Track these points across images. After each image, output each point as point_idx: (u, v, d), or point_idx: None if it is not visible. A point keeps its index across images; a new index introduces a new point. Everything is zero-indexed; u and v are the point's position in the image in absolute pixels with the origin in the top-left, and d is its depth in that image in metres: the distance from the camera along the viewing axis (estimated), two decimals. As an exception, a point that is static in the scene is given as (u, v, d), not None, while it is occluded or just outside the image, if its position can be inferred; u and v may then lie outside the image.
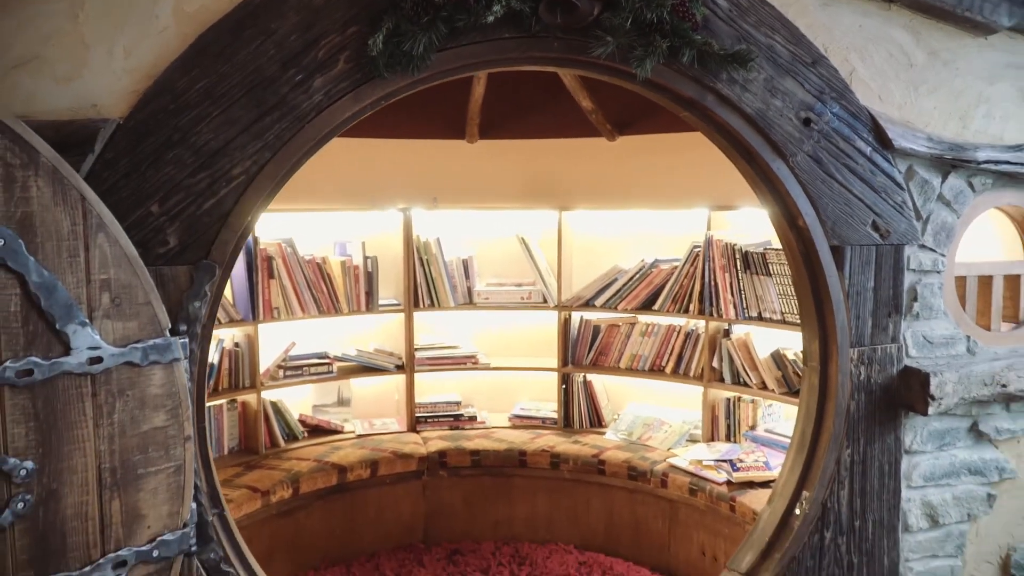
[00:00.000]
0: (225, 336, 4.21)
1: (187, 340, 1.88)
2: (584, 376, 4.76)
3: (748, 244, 4.21)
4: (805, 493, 2.58)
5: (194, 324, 1.94)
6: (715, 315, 4.32)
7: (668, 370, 4.57)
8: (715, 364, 4.36)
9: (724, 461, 3.94)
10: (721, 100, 2.34)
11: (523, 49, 2.16)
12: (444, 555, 4.25)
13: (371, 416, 4.81)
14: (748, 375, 4.22)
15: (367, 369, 4.66)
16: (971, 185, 2.66)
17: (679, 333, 4.54)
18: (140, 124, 1.90)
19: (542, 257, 4.80)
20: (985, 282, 2.79)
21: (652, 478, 4.10)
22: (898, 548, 2.68)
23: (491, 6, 2.03)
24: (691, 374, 4.48)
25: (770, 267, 4.08)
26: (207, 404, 2.42)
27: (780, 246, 3.99)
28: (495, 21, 2.07)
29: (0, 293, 1.54)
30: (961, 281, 2.75)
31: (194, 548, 1.92)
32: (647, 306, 4.59)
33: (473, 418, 4.78)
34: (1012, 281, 2.84)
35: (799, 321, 3.91)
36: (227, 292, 4.12)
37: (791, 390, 4.06)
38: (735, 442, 4.27)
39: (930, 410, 2.51)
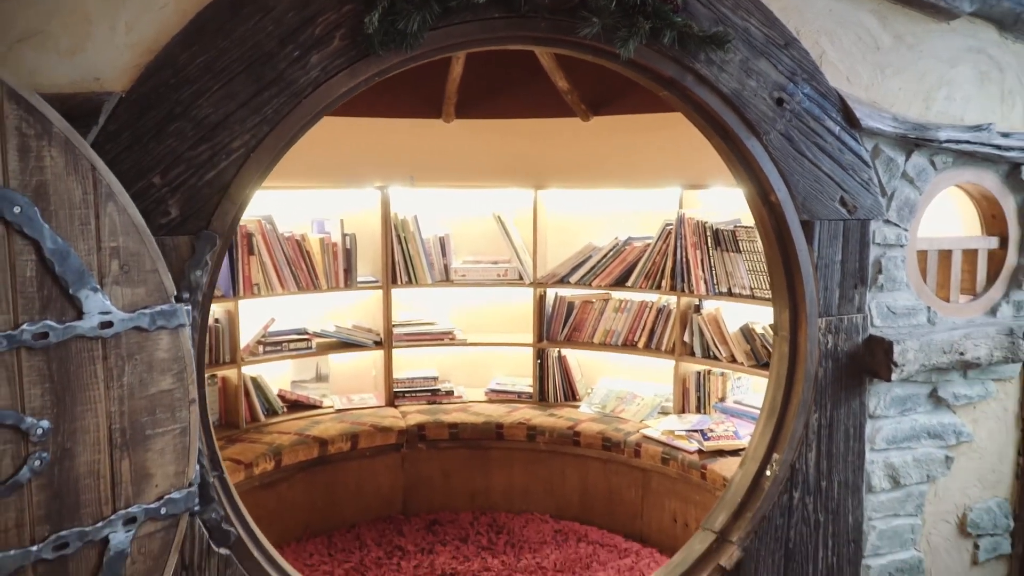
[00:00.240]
0: (206, 312, 4.24)
1: (190, 307, 1.94)
2: (559, 351, 4.87)
3: (719, 222, 4.34)
4: (775, 455, 2.71)
5: (195, 292, 2.00)
6: (686, 291, 4.45)
7: (640, 345, 4.70)
8: (686, 339, 4.50)
9: (695, 431, 4.09)
10: (699, 80, 2.45)
11: (512, 29, 2.24)
12: (423, 525, 4.35)
13: (349, 392, 4.88)
14: (718, 349, 4.36)
15: (346, 345, 4.73)
16: (933, 163, 2.80)
17: (651, 309, 4.67)
18: (142, 97, 1.95)
19: (518, 235, 4.89)
20: (945, 256, 2.94)
21: (626, 448, 4.23)
22: (862, 507, 2.83)
23: (482, -14, 2.11)
24: (663, 348, 4.61)
25: (740, 244, 4.22)
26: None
27: (750, 224, 4.14)
28: (486, 1, 2.15)
29: (17, 258, 1.60)
30: (923, 255, 2.90)
31: (197, 507, 1.99)
32: (620, 283, 4.70)
33: (450, 393, 4.87)
34: (970, 255, 3.00)
35: (768, 296, 4.06)
36: (208, 268, 4.15)
37: (759, 363, 4.21)
38: (705, 414, 4.42)
39: (893, 376, 2.65)
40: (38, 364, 1.65)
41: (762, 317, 4.25)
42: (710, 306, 4.49)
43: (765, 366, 4.15)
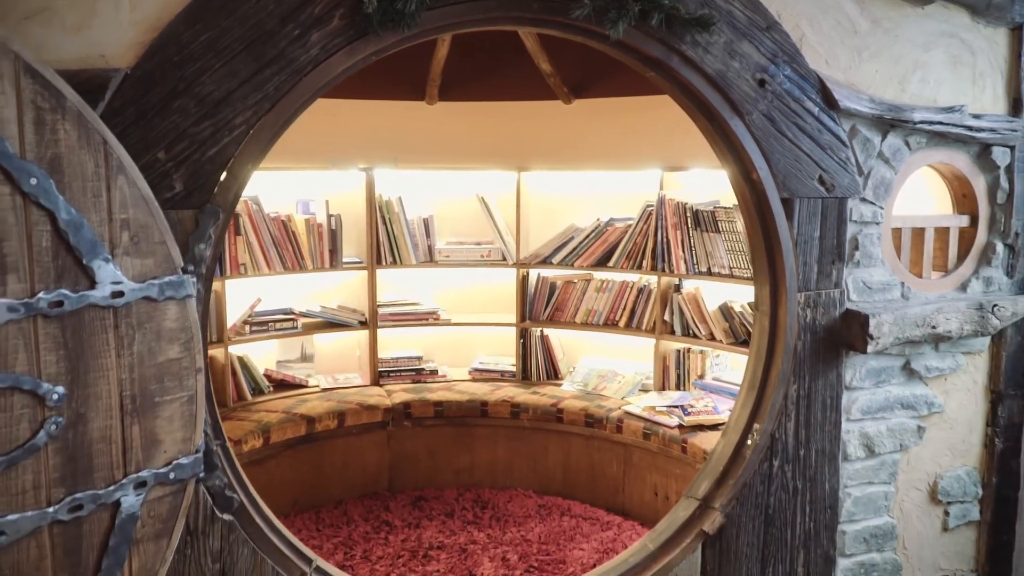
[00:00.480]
0: (193, 292, 4.27)
1: (195, 279, 1.99)
2: (541, 331, 4.96)
3: (698, 203, 4.44)
4: (756, 425, 2.82)
5: (200, 265, 2.05)
6: (667, 271, 4.55)
7: (622, 324, 4.80)
8: (666, 317, 4.60)
9: (676, 407, 4.20)
10: (685, 61, 2.52)
11: (505, 9, 2.31)
12: (409, 501, 4.43)
13: (334, 371, 4.94)
14: (697, 327, 4.47)
15: (331, 325, 4.78)
16: (907, 144, 2.90)
17: (632, 288, 4.76)
18: (147, 74, 1.99)
19: (501, 216, 4.96)
20: (918, 234, 3.05)
21: (608, 424, 4.33)
22: (838, 475, 2.95)
23: (477, -32, 2.17)
24: (643, 327, 4.71)
25: (719, 224, 4.32)
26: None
27: (729, 205, 4.25)
28: (481, -18, 2.21)
29: (34, 229, 1.64)
30: (897, 232, 3.00)
31: (202, 474, 2.05)
32: (602, 263, 4.80)
33: (434, 372, 4.95)
34: (942, 233, 3.11)
35: (747, 275, 4.18)
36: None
37: (738, 340, 4.32)
38: (685, 391, 4.53)
39: (869, 348, 2.76)
40: (53, 332, 1.70)
41: (741, 295, 4.36)
42: (690, 285, 4.59)
43: (743, 343, 4.27)
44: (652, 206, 4.61)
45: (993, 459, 3.22)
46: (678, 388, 4.59)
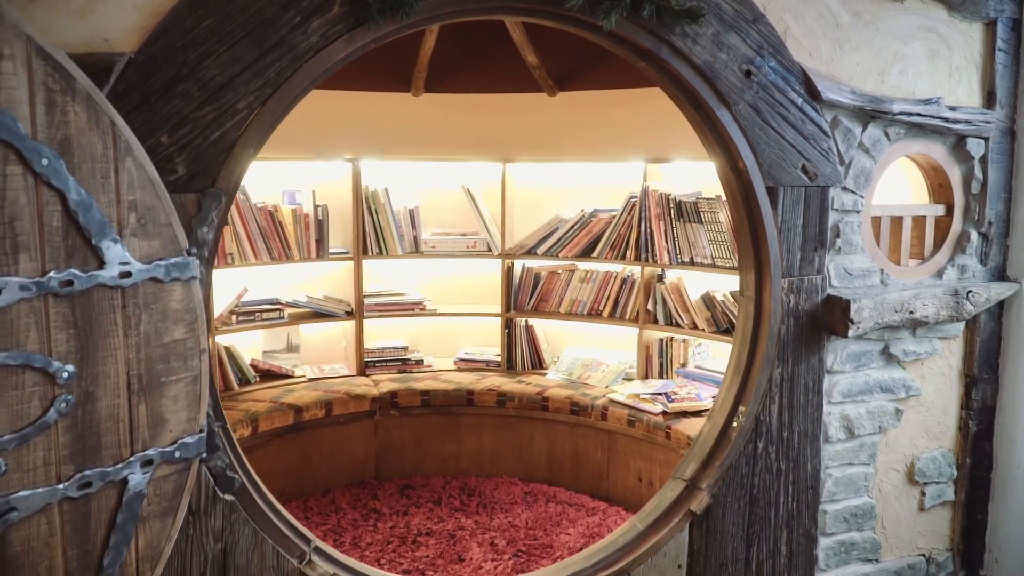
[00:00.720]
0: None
1: (198, 262, 2.03)
2: (526, 321, 5.02)
3: (681, 194, 4.51)
4: (741, 408, 2.89)
5: (203, 248, 2.08)
6: (650, 261, 4.63)
7: (605, 314, 4.86)
8: (649, 307, 4.67)
9: (660, 394, 4.27)
10: (674, 52, 2.59)
11: (501, -1, 2.36)
12: (396, 489, 4.47)
13: (319, 362, 4.96)
14: (680, 316, 4.55)
15: (317, 315, 4.81)
16: (887, 135, 2.99)
17: (616, 279, 4.83)
18: (150, 59, 2.02)
19: (486, 207, 5.01)
20: (896, 222, 3.14)
21: (593, 412, 4.40)
22: (820, 456, 3.03)
23: (474, -42, 2.21)
24: (627, 317, 4.79)
25: (702, 215, 4.40)
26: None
27: (711, 196, 4.32)
28: (478, -28, 2.26)
29: (45, 209, 1.67)
30: (876, 221, 3.09)
31: (204, 455, 2.08)
32: (586, 254, 4.86)
33: (420, 362, 4.99)
34: (919, 222, 3.20)
35: (729, 264, 4.26)
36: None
37: (720, 329, 4.41)
38: (668, 379, 4.61)
39: (850, 332, 2.84)
40: (63, 311, 1.72)
41: (723, 285, 4.44)
42: (673, 275, 4.67)
43: (725, 332, 4.35)
44: (636, 197, 4.68)
45: (967, 441, 3.32)
46: (661, 377, 4.66)
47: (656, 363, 4.69)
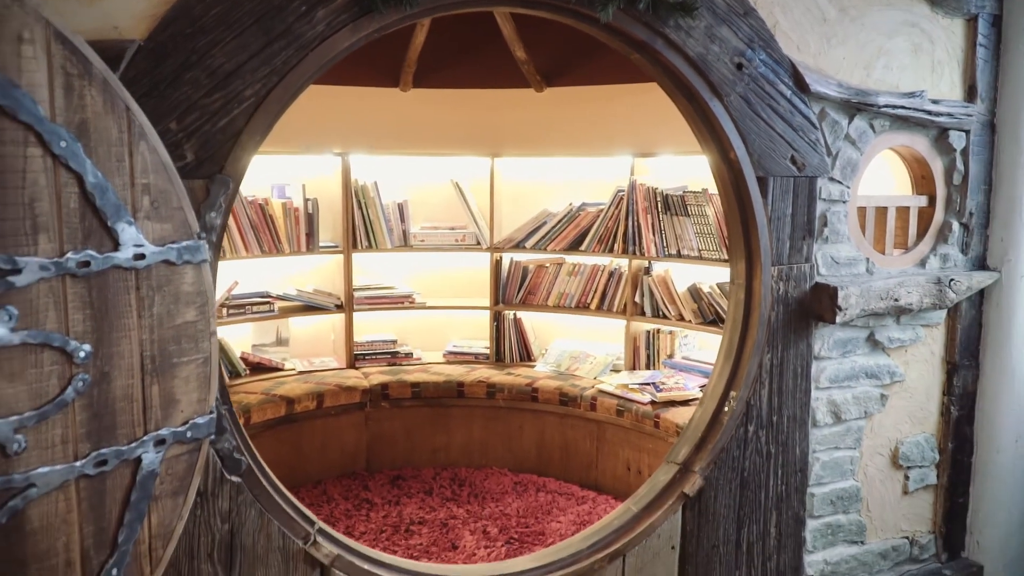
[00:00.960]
0: (171, 274, 4.29)
1: (207, 246, 2.06)
2: (514, 314, 5.07)
3: (668, 188, 4.59)
4: (733, 393, 2.96)
5: (211, 233, 2.12)
6: (637, 254, 4.70)
7: (593, 306, 4.93)
8: (637, 299, 4.74)
9: (648, 384, 4.34)
10: (669, 44, 2.65)
11: (502, -10, 2.41)
12: (387, 480, 4.51)
13: (309, 355, 4.99)
14: (667, 308, 4.62)
15: (307, 308, 4.83)
16: (872, 127, 3.08)
17: (603, 272, 4.90)
18: (159, 46, 2.05)
19: (475, 201, 5.06)
20: (881, 212, 3.23)
21: (582, 402, 4.46)
22: (808, 440, 3.11)
23: (477, -50, 2.26)
24: (614, 309, 4.85)
25: (688, 208, 4.47)
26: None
27: (697, 189, 4.40)
28: (480, -36, 2.31)
29: (63, 190, 1.70)
30: (862, 211, 3.18)
31: (213, 435, 2.12)
32: (574, 247, 4.92)
33: (409, 355, 5.03)
34: (902, 212, 3.29)
35: (715, 256, 4.34)
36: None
37: (706, 320, 4.49)
38: (655, 370, 4.68)
39: (838, 319, 2.92)
40: (80, 291, 1.75)
41: (709, 277, 4.52)
42: (660, 268, 4.74)
43: (712, 323, 4.43)
44: (623, 191, 4.75)
45: (949, 426, 3.42)
46: (648, 368, 4.73)
47: (643, 354, 4.77)
